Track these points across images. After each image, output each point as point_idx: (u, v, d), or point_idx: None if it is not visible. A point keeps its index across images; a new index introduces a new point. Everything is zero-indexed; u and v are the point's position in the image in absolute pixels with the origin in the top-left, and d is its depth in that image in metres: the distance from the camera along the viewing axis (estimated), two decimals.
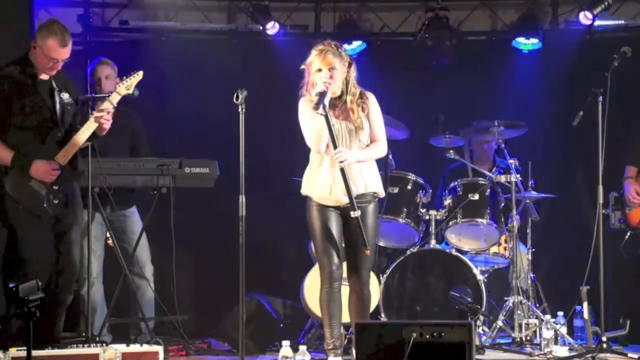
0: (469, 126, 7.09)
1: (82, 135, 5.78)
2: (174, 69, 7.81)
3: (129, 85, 6.00)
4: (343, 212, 5.47)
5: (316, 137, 5.42)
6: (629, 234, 6.88)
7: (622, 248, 6.88)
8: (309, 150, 5.58)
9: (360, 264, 5.48)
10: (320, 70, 5.44)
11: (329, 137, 5.36)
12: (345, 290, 6.42)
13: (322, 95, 5.32)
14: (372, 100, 5.60)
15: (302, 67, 5.58)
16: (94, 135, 5.95)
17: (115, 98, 5.93)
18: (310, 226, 5.54)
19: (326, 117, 5.31)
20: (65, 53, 5.70)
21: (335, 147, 5.32)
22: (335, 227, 5.47)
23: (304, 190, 5.57)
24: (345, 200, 5.38)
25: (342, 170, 5.30)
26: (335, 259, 5.45)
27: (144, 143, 6.85)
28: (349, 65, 5.53)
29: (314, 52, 5.50)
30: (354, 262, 5.50)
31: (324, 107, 5.31)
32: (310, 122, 5.45)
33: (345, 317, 6.33)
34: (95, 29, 7.98)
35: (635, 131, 7.06)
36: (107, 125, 5.85)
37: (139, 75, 6.06)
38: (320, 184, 5.46)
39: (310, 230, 5.58)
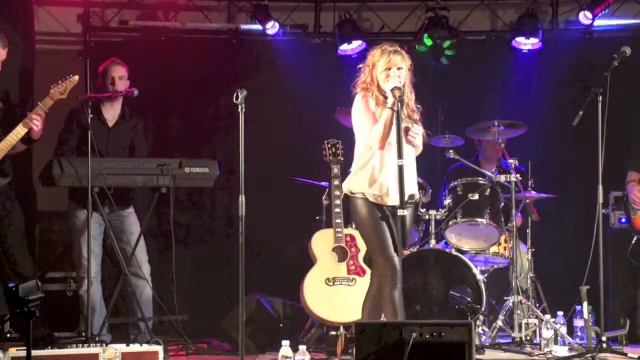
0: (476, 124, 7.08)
1: (8, 141, 5.88)
2: (174, 69, 7.81)
3: (63, 90, 6.07)
4: (391, 210, 5.41)
5: (384, 133, 5.34)
6: (635, 239, 6.89)
7: (629, 254, 6.89)
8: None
9: (398, 261, 5.43)
10: (389, 69, 5.40)
11: (389, 133, 5.31)
12: (346, 290, 6.43)
13: (401, 89, 5.29)
14: (419, 112, 5.58)
15: (360, 66, 5.54)
16: (30, 141, 6.04)
17: (48, 103, 6.04)
18: (363, 225, 5.49)
19: (398, 112, 5.27)
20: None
21: (400, 142, 5.24)
22: (390, 227, 5.40)
23: (353, 189, 5.49)
24: (396, 199, 5.32)
25: (401, 168, 5.24)
26: (396, 261, 5.39)
27: (143, 146, 6.84)
28: (410, 68, 5.49)
29: (378, 52, 5.45)
30: (393, 260, 5.42)
31: (403, 102, 5.29)
32: (377, 118, 5.38)
33: (346, 317, 6.36)
34: (95, 29, 7.97)
35: (636, 136, 7.06)
36: (37, 129, 5.95)
37: (74, 80, 6.11)
38: (375, 183, 5.39)
39: (362, 230, 5.53)
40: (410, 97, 5.51)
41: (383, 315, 6.47)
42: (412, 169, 5.51)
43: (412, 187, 5.48)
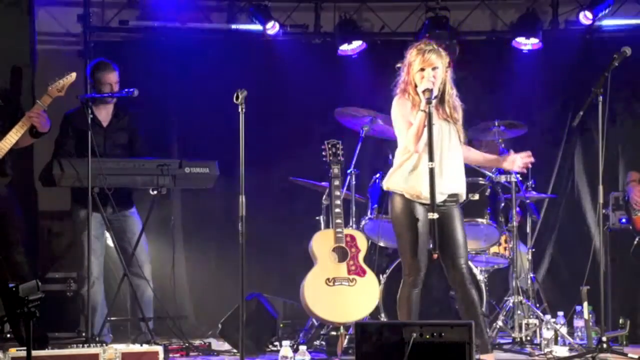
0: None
1: (8, 140, 5.89)
2: (174, 69, 7.81)
3: (61, 87, 6.08)
4: (427, 209, 5.35)
5: (416, 136, 5.32)
6: (637, 239, 6.89)
7: (632, 254, 6.88)
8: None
9: (454, 259, 5.42)
10: (423, 69, 5.38)
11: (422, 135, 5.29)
12: (346, 290, 6.43)
13: (430, 92, 5.27)
14: (460, 106, 5.57)
15: (399, 65, 5.53)
16: (37, 134, 6.04)
17: (46, 100, 6.06)
18: (396, 221, 5.47)
19: (429, 114, 5.25)
20: None
21: (431, 143, 5.22)
22: (424, 226, 5.38)
23: (391, 185, 5.48)
24: (439, 198, 5.31)
25: (431, 171, 5.21)
26: (422, 264, 5.40)
27: (142, 143, 6.84)
28: (448, 65, 5.47)
29: (414, 52, 5.43)
30: (449, 258, 5.44)
31: (431, 105, 5.25)
32: (410, 119, 5.37)
33: (346, 317, 6.35)
34: (95, 29, 7.97)
35: (636, 136, 7.07)
36: (39, 123, 6.00)
37: (71, 77, 6.13)
38: (417, 179, 5.37)
39: (394, 226, 5.50)
40: (450, 93, 5.49)
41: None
42: (457, 168, 5.46)
43: (455, 186, 5.44)
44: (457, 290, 5.49)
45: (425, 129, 5.25)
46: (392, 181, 5.49)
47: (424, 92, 5.27)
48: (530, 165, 5.69)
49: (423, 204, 5.38)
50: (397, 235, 5.52)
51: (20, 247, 6.33)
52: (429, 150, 5.23)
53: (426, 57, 5.37)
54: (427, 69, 5.36)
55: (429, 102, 5.24)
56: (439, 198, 5.33)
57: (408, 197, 5.41)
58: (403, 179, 5.43)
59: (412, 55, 5.43)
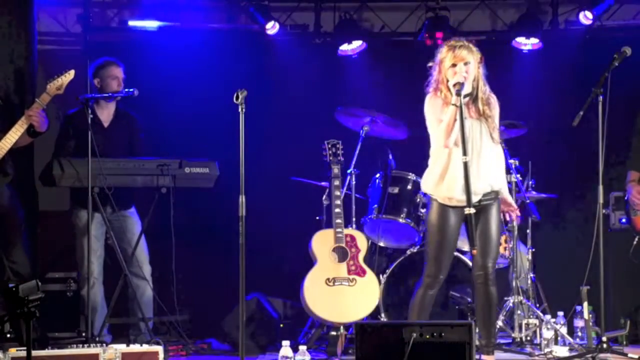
0: None
1: (8, 139, 5.89)
2: (174, 69, 7.80)
3: (60, 85, 6.08)
4: (462, 209, 5.37)
5: (447, 131, 5.34)
6: (636, 239, 6.88)
7: (631, 254, 6.88)
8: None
9: (483, 257, 5.44)
10: (454, 65, 5.39)
11: (453, 130, 5.31)
12: (346, 290, 6.43)
13: (461, 85, 5.29)
14: (496, 100, 5.58)
15: (430, 64, 5.54)
16: (35, 134, 6.04)
17: (45, 99, 6.06)
18: (428, 223, 5.52)
19: (460, 108, 5.26)
20: None
21: (463, 137, 5.24)
22: (454, 231, 5.45)
23: (425, 188, 5.54)
24: (473, 199, 5.30)
25: (465, 165, 5.22)
26: (444, 267, 5.46)
27: (142, 145, 6.83)
28: (480, 61, 5.48)
29: (445, 48, 5.44)
30: (478, 255, 5.45)
31: (461, 98, 5.26)
32: (441, 117, 5.38)
33: (346, 317, 6.36)
34: (95, 29, 7.97)
35: (636, 136, 7.07)
36: (37, 122, 6.01)
37: (70, 75, 6.13)
38: (448, 183, 5.39)
39: (427, 226, 5.55)
40: (483, 89, 5.50)
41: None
42: (491, 166, 5.45)
43: (489, 184, 5.44)
44: (478, 287, 5.51)
45: (457, 123, 5.25)
46: (426, 185, 5.55)
47: (454, 85, 5.29)
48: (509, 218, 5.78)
49: (455, 207, 5.39)
50: (427, 237, 5.58)
51: (22, 247, 6.34)
52: (462, 143, 5.23)
53: (457, 53, 5.38)
54: (458, 64, 5.38)
55: (458, 94, 5.24)
56: (473, 199, 5.32)
57: (440, 202, 5.44)
58: (434, 184, 5.47)
59: (443, 53, 5.44)
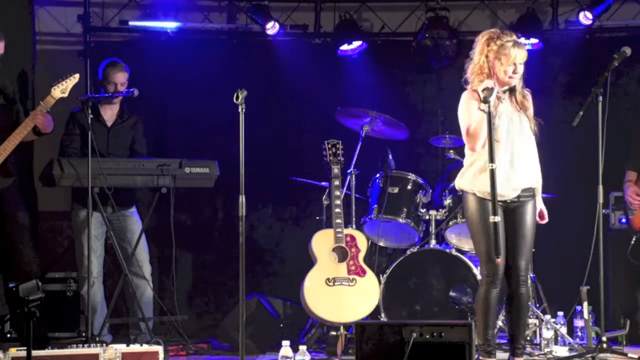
0: None
1: (14, 139, 5.91)
2: (174, 69, 7.81)
3: (64, 88, 6.09)
4: (503, 206, 5.30)
5: (476, 136, 5.24)
6: (634, 239, 6.88)
7: (629, 254, 6.88)
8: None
9: (516, 257, 5.35)
10: (515, 64, 5.31)
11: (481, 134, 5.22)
12: (346, 290, 6.43)
13: (490, 91, 5.14)
14: (530, 95, 5.51)
15: (472, 56, 5.43)
16: (40, 133, 6.08)
17: (49, 101, 6.08)
18: (470, 222, 5.39)
19: (489, 114, 5.12)
20: None
21: (490, 145, 5.09)
22: (500, 223, 5.24)
23: (463, 186, 5.42)
24: (512, 195, 5.27)
25: (492, 172, 5.07)
26: (500, 258, 5.23)
27: (143, 147, 6.83)
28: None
29: (509, 44, 5.31)
30: (511, 254, 5.35)
31: (489, 105, 5.12)
32: (474, 117, 5.26)
33: (346, 317, 6.36)
34: (95, 29, 7.97)
35: (635, 136, 7.06)
36: (42, 124, 6.04)
37: (74, 78, 6.13)
38: (486, 182, 5.18)
39: (469, 226, 5.42)
40: (519, 83, 5.43)
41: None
42: (530, 160, 5.38)
43: (529, 179, 5.37)
44: (510, 287, 5.40)
45: (485, 129, 5.13)
46: (463, 181, 5.42)
47: (483, 90, 5.15)
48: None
49: (499, 202, 5.23)
50: (472, 236, 5.43)
51: (29, 245, 6.36)
52: (489, 150, 5.09)
53: (519, 52, 5.32)
54: (519, 66, 5.32)
55: (485, 101, 5.10)
56: (512, 194, 5.28)
57: (480, 196, 5.32)
58: (473, 177, 5.35)
59: (508, 48, 5.30)
